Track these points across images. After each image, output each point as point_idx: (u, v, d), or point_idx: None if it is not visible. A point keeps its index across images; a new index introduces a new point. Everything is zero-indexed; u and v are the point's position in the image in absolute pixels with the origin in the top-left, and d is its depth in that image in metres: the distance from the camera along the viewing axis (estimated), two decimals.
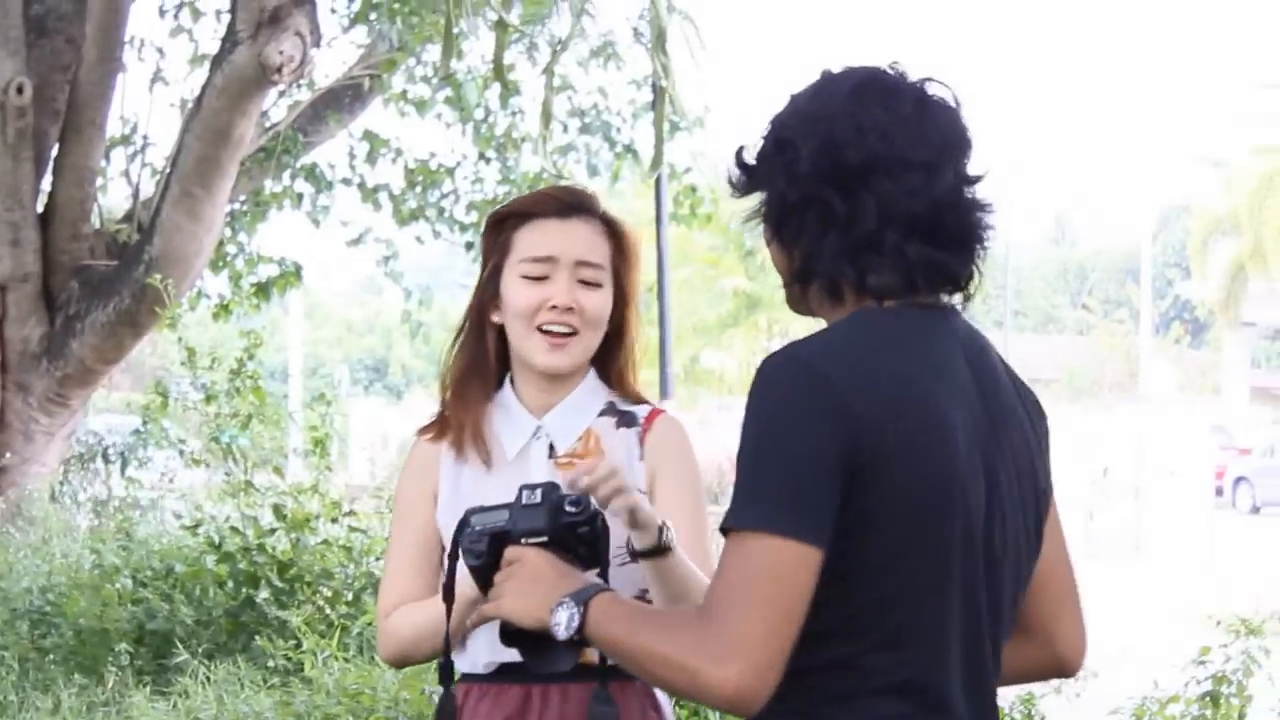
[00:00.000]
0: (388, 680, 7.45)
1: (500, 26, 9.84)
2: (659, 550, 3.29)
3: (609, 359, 3.64)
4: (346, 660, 8.01)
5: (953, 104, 2.77)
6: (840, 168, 2.64)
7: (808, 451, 2.52)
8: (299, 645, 8.24)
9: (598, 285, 3.55)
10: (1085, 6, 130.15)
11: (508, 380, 3.63)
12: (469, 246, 14.20)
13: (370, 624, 8.41)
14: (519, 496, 3.03)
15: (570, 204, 3.61)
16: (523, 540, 2.96)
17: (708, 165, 15.42)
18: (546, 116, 9.89)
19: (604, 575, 3.02)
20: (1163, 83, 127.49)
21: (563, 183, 13.35)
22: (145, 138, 13.62)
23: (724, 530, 2.56)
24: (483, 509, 3.10)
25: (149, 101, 18.93)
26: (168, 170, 11.75)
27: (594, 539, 3.02)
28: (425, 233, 14.77)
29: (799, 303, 2.78)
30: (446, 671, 3.31)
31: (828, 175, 2.64)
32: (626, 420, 3.60)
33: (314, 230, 14.70)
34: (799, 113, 2.73)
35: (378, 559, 9.23)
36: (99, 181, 12.52)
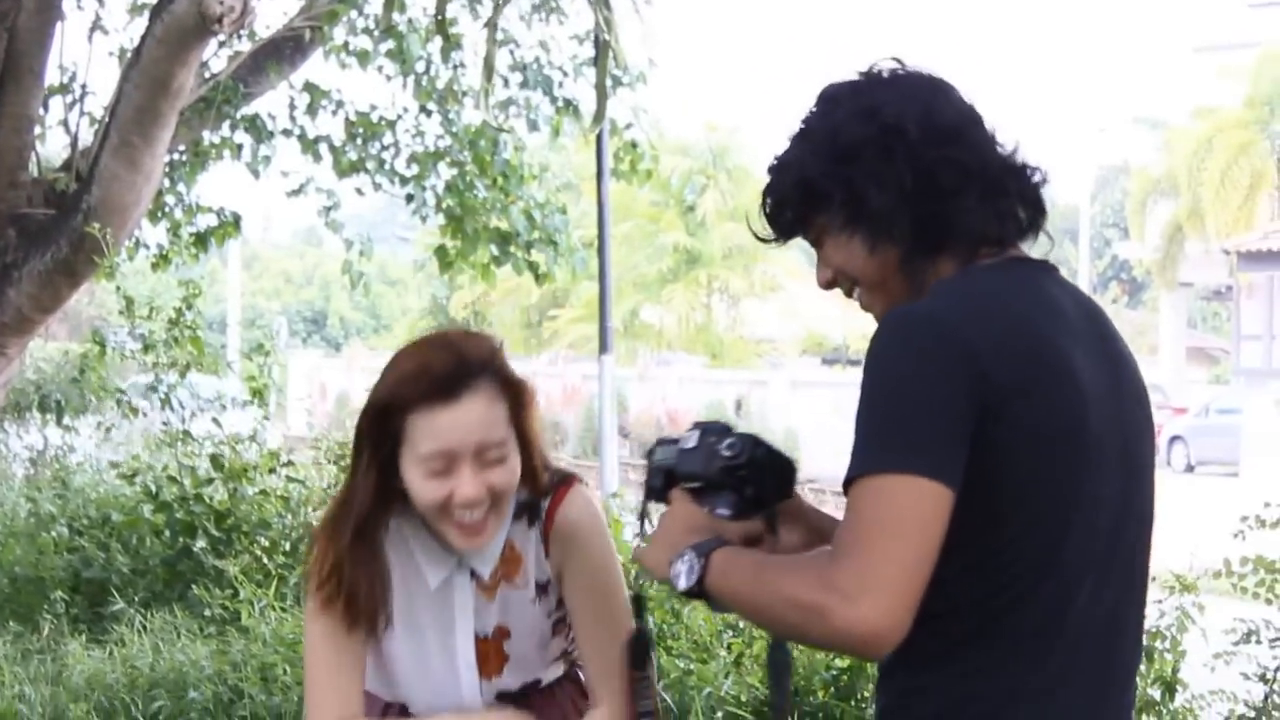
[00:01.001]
0: None
1: None
2: None
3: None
4: (283, 610, 8.03)
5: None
6: (945, 128, 2.73)
7: (936, 393, 2.53)
8: (236, 594, 8.26)
9: (502, 460, 3.30)
10: None
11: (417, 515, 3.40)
12: (409, 199, 14.12)
13: (307, 575, 8.41)
14: (684, 436, 3.01)
15: (455, 378, 3.28)
16: (681, 484, 2.95)
17: (648, 121, 15.36)
18: (489, 70, 9.87)
19: (773, 521, 2.98)
20: (1102, 44, 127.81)
21: (508, 140, 13.33)
22: (84, 87, 13.50)
23: (848, 483, 2.53)
24: (666, 440, 3.09)
25: (88, 50, 18.83)
26: (106, 119, 11.66)
27: (759, 478, 2.94)
28: (365, 185, 14.70)
29: (913, 283, 2.74)
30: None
31: (941, 136, 2.71)
32: (532, 515, 3.46)
33: (253, 182, 14.61)
34: (854, 113, 2.76)
35: (315, 510, 9.24)
36: (37, 130, 12.42)
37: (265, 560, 8.60)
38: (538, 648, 3.44)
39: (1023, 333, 2.60)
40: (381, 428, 3.30)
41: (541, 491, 3.45)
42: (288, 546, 8.83)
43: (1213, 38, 47.69)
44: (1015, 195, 2.74)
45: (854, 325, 41.77)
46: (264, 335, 12.38)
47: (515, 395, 3.34)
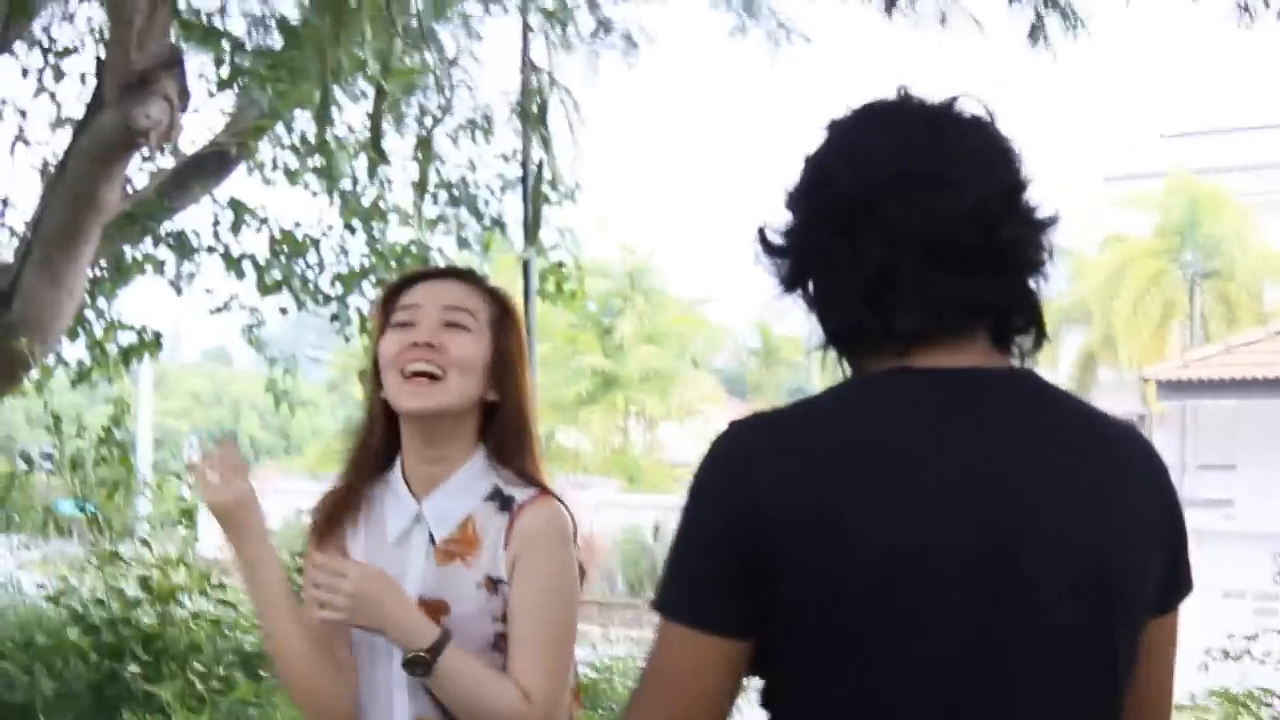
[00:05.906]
0: None
1: (379, 94, 9.70)
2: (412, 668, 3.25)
3: (495, 434, 3.47)
4: None
5: (983, 117, 2.41)
6: (835, 201, 2.32)
7: (707, 536, 2.31)
8: None
9: (466, 329, 3.41)
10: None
11: (398, 461, 3.47)
12: (334, 318, 13.97)
13: (241, 700, 8.22)
14: None
15: (450, 271, 3.61)
16: None
17: (572, 241, 15.28)
18: (422, 188, 9.77)
19: None
20: None
21: (438, 259, 13.24)
22: (6, 200, 13.34)
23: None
24: None
25: (10, 163, 18.59)
26: (29, 234, 11.50)
27: None
28: (289, 303, 14.54)
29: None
30: None
31: (821, 214, 2.34)
32: (504, 504, 3.41)
33: (173, 298, 14.44)
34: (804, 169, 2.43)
35: (245, 633, 9.05)
36: None
37: (199, 685, 8.40)
38: (476, 647, 3.30)
39: (825, 476, 2.23)
40: (381, 308, 3.49)
41: (523, 478, 3.45)
42: (221, 670, 8.63)
43: (1124, 167, 48.10)
44: (910, 286, 2.28)
45: None
46: (173, 455, 12.24)
47: (502, 305, 3.50)
